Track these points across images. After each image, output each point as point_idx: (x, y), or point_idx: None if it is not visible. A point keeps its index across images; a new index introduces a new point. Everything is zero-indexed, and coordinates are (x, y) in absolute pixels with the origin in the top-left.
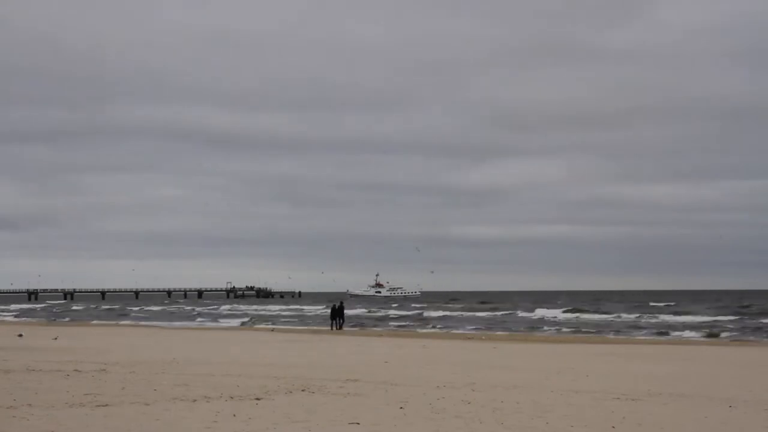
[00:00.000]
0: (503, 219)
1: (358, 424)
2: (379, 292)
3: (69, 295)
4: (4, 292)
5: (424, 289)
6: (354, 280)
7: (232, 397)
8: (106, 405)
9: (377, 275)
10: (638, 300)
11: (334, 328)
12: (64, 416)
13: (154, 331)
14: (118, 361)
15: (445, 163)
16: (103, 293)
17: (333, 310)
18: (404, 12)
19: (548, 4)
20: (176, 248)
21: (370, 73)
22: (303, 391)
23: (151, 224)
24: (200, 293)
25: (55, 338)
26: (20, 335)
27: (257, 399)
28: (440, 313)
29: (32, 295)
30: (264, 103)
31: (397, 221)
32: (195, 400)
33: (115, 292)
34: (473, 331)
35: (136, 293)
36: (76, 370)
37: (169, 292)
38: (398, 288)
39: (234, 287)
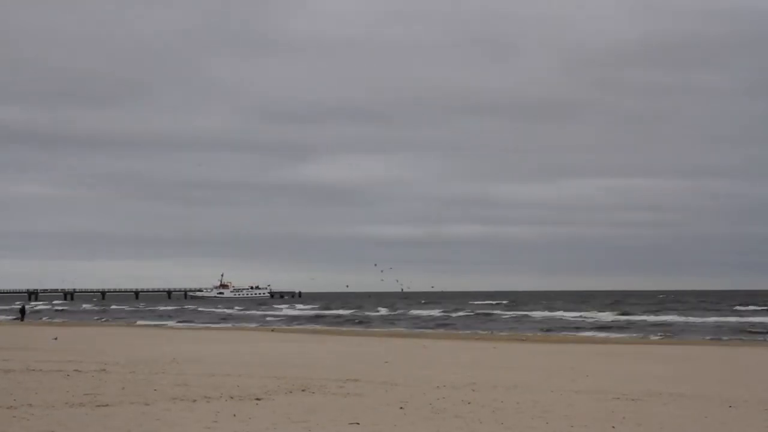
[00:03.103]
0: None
1: (358, 424)
2: (222, 293)
3: (69, 294)
4: (4, 292)
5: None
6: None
7: (232, 397)
8: (106, 405)
9: (222, 275)
10: (464, 299)
11: None
12: (64, 416)
13: (154, 330)
14: (118, 361)
15: (256, 160)
16: (103, 293)
17: None
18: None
19: None
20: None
21: (100, 62)
22: (303, 391)
23: None
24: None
25: (55, 338)
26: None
27: (257, 399)
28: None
29: (32, 295)
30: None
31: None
32: (195, 400)
33: (115, 292)
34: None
35: (137, 293)
36: (76, 370)
37: (169, 293)
38: (244, 289)
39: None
